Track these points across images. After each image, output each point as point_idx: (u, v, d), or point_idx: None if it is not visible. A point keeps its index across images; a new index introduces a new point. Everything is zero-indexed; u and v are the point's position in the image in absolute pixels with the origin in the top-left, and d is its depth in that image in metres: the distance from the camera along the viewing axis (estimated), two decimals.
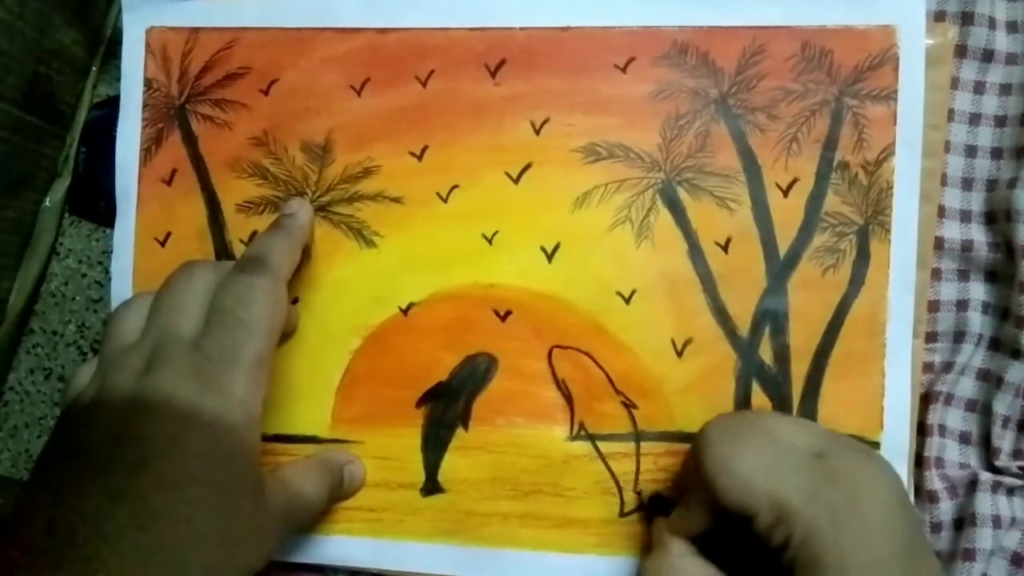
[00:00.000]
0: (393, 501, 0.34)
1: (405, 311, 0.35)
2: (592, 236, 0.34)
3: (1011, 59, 0.34)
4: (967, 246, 0.34)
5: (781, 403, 0.33)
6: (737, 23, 0.33)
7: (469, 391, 0.34)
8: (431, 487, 0.34)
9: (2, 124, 0.36)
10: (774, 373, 0.33)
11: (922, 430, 0.33)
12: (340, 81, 0.35)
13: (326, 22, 0.35)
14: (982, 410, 0.33)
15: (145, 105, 0.37)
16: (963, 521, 0.32)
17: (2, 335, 0.39)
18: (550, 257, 0.34)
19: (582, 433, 0.33)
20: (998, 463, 0.33)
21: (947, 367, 0.34)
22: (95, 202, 0.40)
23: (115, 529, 0.23)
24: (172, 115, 0.36)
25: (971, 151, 0.34)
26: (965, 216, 0.34)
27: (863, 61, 0.33)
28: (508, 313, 0.34)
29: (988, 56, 0.34)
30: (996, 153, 0.34)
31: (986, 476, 0.32)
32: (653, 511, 0.32)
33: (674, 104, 0.34)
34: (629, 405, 0.33)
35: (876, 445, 0.32)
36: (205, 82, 0.36)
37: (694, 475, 0.27)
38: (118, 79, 0.37)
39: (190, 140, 0.36)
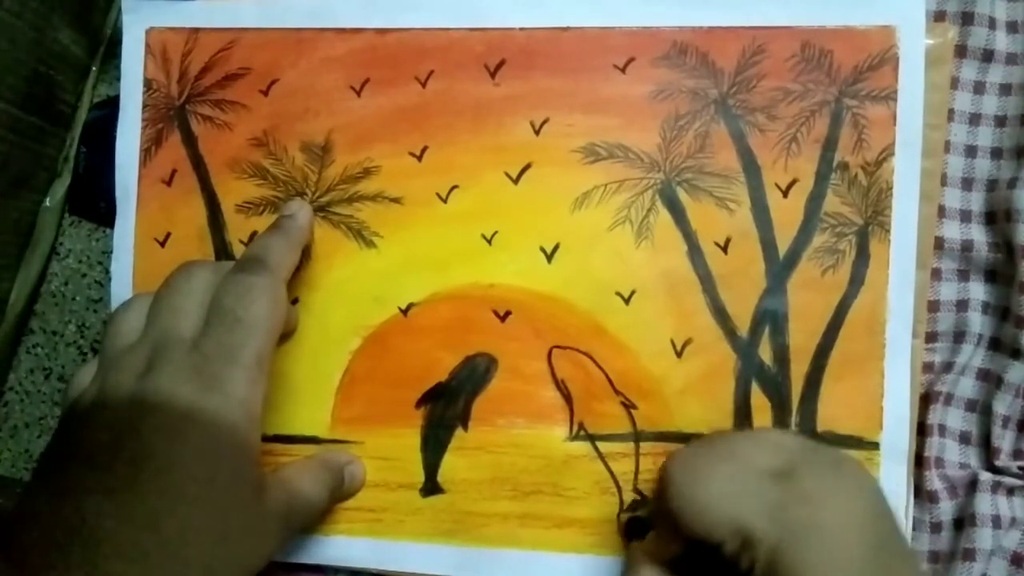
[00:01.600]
0: (393, 501, 0.34)
1: (405, 311, 0.35)
2: (592, 236, 0.34)
3: (1011, 59, 0.34)
4: (967, 246, 0.34)
5: (780, 403, 0.33)
6: (736, 23, 0.33)
7: (469, 391, 0.34)
8: (431, 487, 0.34)
9: (2, 124, 0.36)
10: (773, 373, 0.33)
11: (922, 430, 0.33)
12: (340, 81, 0.35)
13: (326, 22, 0.35)
14: (982, 410, 0.33)
15: (145, 105, 0.37)
16: (963, 521, 0.32)
17: (2, 335, 0.39)
18: (550, 257, 0.34)
19: (582, 433, 0.33)
20: (998, 463, 0.33)
21: (947, 367, 0.34)
22: (95, 202, 0.40)
23: (115, 528, 0.23)
24: (172, 115, 0.36)
25: (971, 151, 0.34)
26: (965, 216, 0.34)
27: (863, 61, 0.33)
28: (508, 313, 0.34)
29: (988, 56, 0.34)
30: (996, 153, 0.34)
31: (986, 476, 0.32)
32: (630, 535, 0.32)
33: (674, 104, 0.33)
34: (628, 405, 0.33)
35: (876, 445, 0.32)
36: (205, 82, 0.36)
37: (662, 506, 0.27)
38: (118, 79, 0.37)
39: (190, 140, 0.36)
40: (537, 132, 0.34)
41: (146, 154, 0.37)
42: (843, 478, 0.25)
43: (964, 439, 0.33)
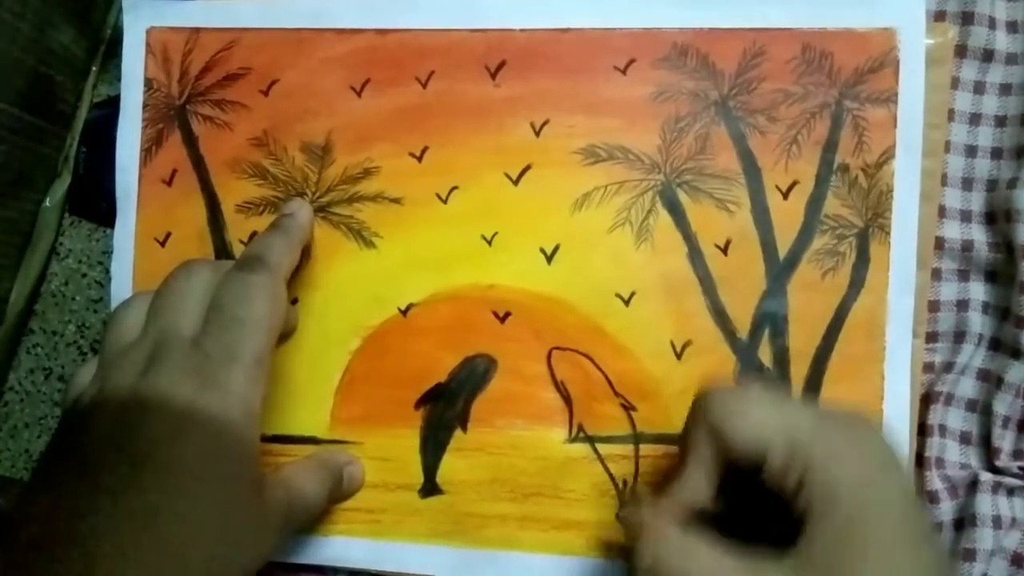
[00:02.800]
0: (392, 502, 0.34)
1: (404, 312, 0.35)
2: (592, 238, 0.34)
3: (1011, 59, 0.34)
4: (967, 246, 0.34)
5: None
6: (737, 25, 0.33)
7: (468, 392, 0.34)
8: (429, 488, 0.34)
9: (2, 124, 0.36)
10: (773, 376, 0.33)
11: (922, 430, 0.33)
12: (340, 82, 0.35)
13: (326, 23, 0.35)
14: (982, 410, 0.33)
15: (145, 105, 0.37)
16: (963, 521, 0.32)
17: (2, 335, 0.39)
18: (549, 259, 0.34)
19: (581, 435, 0.33)
20: (998, 463, 0.33)
21: (947, 367, 0.34)
22: (95, 202, 0.40)
23: (115, 526, 0.23)
24: (172, 115, 0.36)
25: (971, 151, 0.34)
26: (965, 216, 0.34)
27: (863, 63, 0.33)
28: (507, 314, 0.34)
29: (988, 56, 0.34)
30: (996, 153, 0.34)
31: (986, 476, 0.32)
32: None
33: (674, 106, 0.33)
34: (628, 407, 0.33)
35: None
36: (205, 82, 0.36)
37: (693, 433, 0.26)
38: (118, 79, 0.37)
39: (190, 140, 0.36)
40: (537, 133, 0.34)
41: (146, 154, 0.37)
42: (869, 424, 0.25)
43: (964, 439, 0.33)
